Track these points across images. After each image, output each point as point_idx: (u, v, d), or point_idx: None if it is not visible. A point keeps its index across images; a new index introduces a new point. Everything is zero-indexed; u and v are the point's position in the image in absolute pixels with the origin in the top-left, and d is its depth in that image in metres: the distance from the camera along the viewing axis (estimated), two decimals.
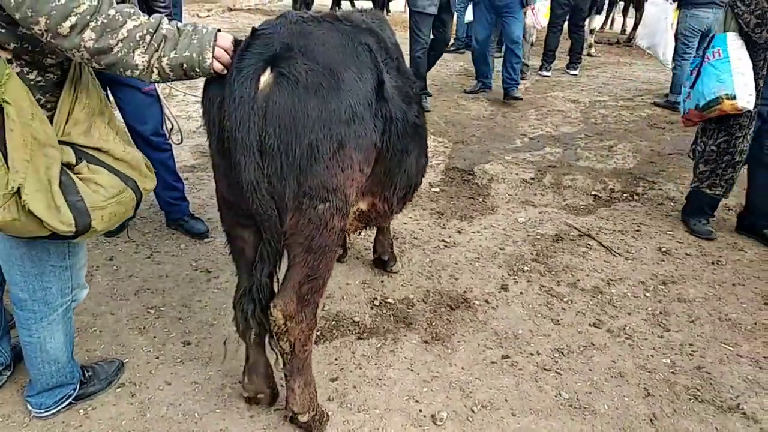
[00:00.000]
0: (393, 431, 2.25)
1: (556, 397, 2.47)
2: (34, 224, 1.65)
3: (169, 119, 3.42)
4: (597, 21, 9.56)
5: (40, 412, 2.22)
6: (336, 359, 2.62)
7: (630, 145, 5.40)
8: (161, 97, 3.30)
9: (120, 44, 1.56)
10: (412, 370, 2.58)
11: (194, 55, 1.63)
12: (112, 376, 2.39)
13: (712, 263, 3.53)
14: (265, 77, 1.63)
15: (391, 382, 2.50)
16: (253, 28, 1.73)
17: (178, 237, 3.57)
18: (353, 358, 2.63)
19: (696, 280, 3.35)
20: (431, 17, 5.60)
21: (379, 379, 2.52)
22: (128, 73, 1.61)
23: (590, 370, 2.64)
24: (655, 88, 7.52)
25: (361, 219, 2.37)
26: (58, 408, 2.24)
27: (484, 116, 6.06)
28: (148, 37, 1.59)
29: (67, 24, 1.49)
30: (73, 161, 1.74)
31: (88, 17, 1.51)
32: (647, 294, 3.21)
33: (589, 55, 9.31)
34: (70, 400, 2.26)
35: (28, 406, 2.23)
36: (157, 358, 2.57)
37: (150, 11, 3.14)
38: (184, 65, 1.63)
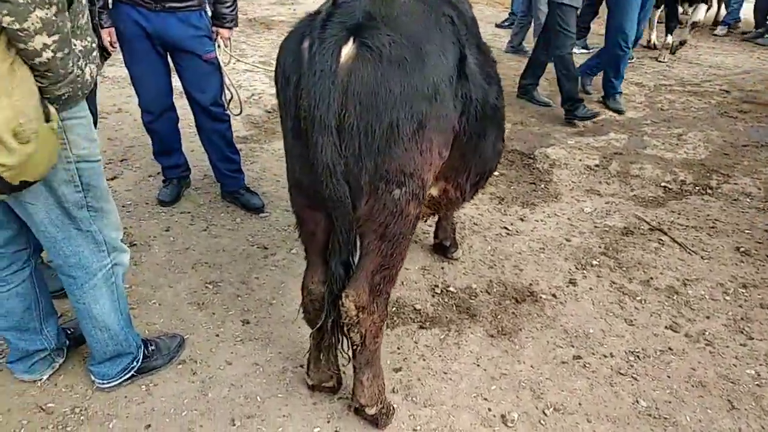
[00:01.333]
0: (461, 430, 2.15)
1: (633, 404, 2.32)
2: None
3: (228, 89, 3.33)
4: (700, 12, 6.94)
5: (103, 383, 2.19)
6: (398, 348, 2.52)
7: (700, 134, 5.09)
8: (222, 65, 3.19)
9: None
10: (478, 365, 2.46)
11: None
12: (174, 352, 2.34)
13: None
14: (348, 49, 1.49)
15: (458, 377, 2.39)
16: None
17: (233, 210, 3.50)
18: (416, 348, 2.53)
19: None
20: (576, 10, 4.90)
21: (445, 373, 2.41)
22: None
23: (669, 377, 2.47)
24: (723, 74, 7.08)
25: (430, 205, 2.24)
26: (121, 380, 2.20)
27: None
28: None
29: None
30: None
31: None
32: (726, 297, 3.01)
33: (657, 60, 7.45)
34: (132, 372, 2.22)
35: (92, 377, 2.20)
36: (217, 335, 2.51)
37: (216, 8, 3.04)
38: None
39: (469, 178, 2.12)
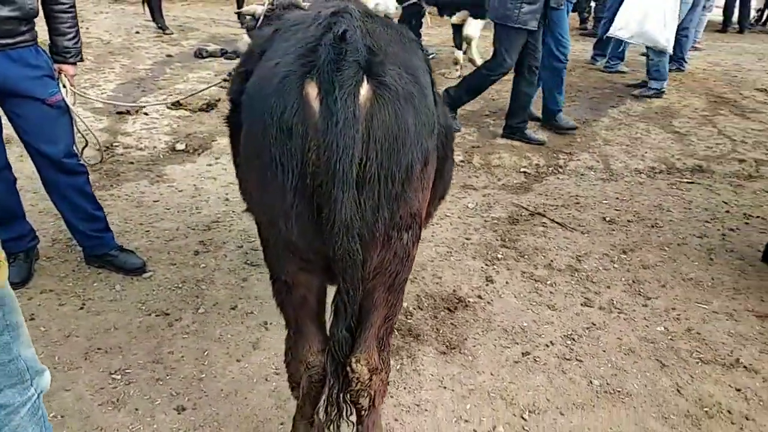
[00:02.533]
0: None
1: (588, 385, 2.46)
2: None
3: (81, 134, 2.78)
4: (474, 27, 6.48)
5: None
6: None
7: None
8: (71, 107, 2.65)
9: None
10: (445, 388, 2.40)
11: None
12: None
13: (652, 227, 3.79)
14: (364, 90, 1.30)
15: (431, 406, 2.30)
16: (343, 29, 1.34)
17: (107, 276, 2.94)
18: None
19: (648, 245, 3.57)
20: (526, 34, 4.55)
21: (417, 405, 2.30)
22: None
23: (604, 351, 2.67)
24: None
25: None
26: None
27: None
28: None
29: None
30: None
31: None
32: (615, 265, 3.35)
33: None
34: None
35: None
36: None
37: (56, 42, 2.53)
38: None
39: (434, 204, 2.02)
